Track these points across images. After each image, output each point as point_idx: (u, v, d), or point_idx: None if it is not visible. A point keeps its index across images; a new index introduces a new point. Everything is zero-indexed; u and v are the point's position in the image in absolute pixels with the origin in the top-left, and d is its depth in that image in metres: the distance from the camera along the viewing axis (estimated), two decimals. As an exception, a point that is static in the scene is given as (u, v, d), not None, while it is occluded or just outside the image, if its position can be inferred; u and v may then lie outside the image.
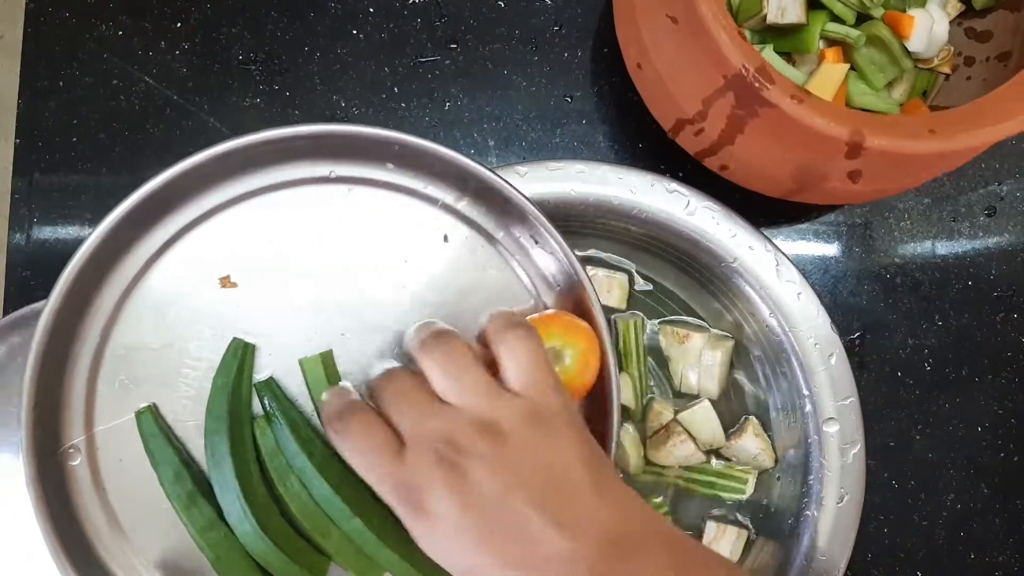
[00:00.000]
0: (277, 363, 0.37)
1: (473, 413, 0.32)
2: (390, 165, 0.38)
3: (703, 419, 0.49)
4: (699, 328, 0.51)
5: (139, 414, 0.36)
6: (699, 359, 0.50)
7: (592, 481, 0.32)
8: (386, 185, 0.38)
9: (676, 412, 0.50)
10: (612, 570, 0.30)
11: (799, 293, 0.47)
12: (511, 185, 0.37)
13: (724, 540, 0.49)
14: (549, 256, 0.39)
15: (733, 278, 0.48)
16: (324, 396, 0.35)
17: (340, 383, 0.37)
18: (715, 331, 0.51)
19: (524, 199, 0.38)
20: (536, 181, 0.46)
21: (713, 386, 0.50)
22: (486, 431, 0.32)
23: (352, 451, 0.33)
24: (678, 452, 0.49)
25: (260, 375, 0.37)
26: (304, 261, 0.37)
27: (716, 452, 0.50)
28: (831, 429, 0.46)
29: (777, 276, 0.47)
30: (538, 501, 0.31)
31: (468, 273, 0.39)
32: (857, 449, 0.46)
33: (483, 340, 0.36)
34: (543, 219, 0.38)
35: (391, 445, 0.32)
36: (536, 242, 0.39)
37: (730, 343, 0.50)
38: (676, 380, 0.51)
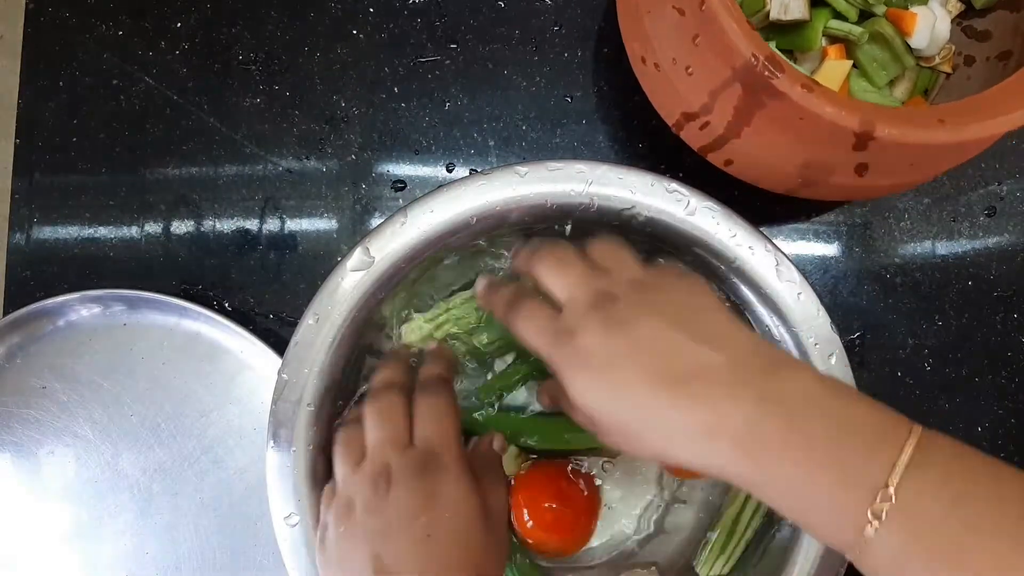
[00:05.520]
0: None
1: (627, 273, 0.37)
2: None
3: None
4: None
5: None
6: None
7: (727, 314, 0.35)
8: None
9: None
10: (767, 375, 0.32)
11: (799, 293, 0.47)
12: None
13: None
14: None
15: (733, 278, 0.48)
16: (481, 284, 0.44)
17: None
18: None
19: None
20: (536, 181, 0.46)
21: None
22: (636, 284, 0.36)
23: (523, 320, 0.38)
24: None
25: None
26: None
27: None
28: (831, 429, 0.46)
29: (777, 276, 0.47)
30: (683, 325, 0.34)
31: None
32: (857, 449, 0.46)
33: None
34: None
35: (553, 310, 0.38)
36: None
37: None
38: None
